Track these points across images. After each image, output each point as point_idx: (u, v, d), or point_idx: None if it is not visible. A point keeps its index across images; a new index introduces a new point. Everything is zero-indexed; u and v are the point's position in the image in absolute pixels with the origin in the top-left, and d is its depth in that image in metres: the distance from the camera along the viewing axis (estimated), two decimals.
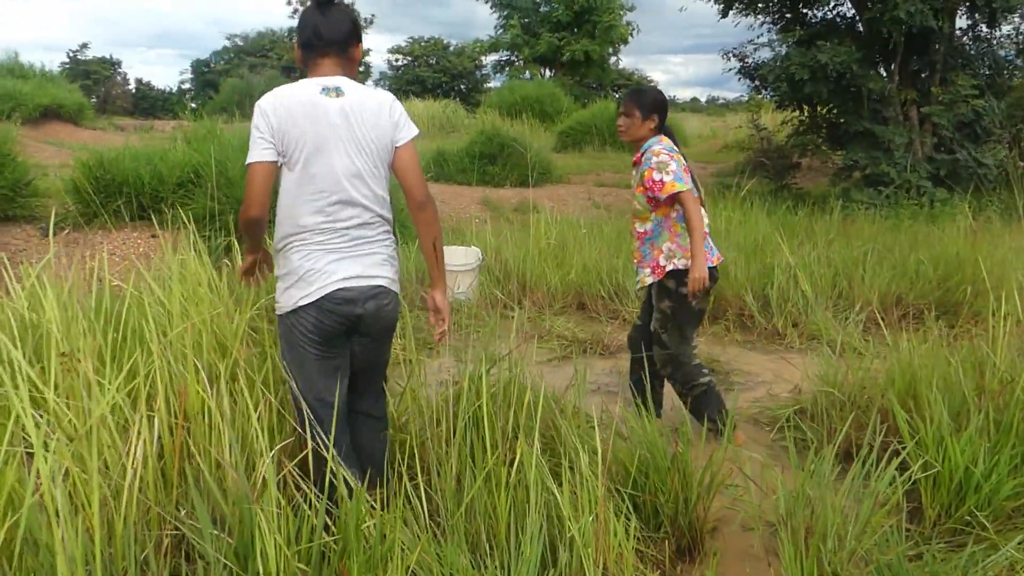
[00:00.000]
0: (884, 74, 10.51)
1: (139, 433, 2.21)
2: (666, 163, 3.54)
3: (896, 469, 2.66)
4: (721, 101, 71.76)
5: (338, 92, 2.49)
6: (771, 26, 11.74)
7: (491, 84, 42.87)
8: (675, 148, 3.67)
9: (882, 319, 5.59)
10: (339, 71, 2.57)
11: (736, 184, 11.37)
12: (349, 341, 2.63)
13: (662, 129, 3.76)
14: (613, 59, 35.32)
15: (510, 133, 13.86)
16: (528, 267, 6.50)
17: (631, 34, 34.10)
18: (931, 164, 9.88)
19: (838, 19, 11.27)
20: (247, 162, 2.45)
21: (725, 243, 6.57)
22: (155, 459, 2.31)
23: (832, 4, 11.17)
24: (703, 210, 3.69)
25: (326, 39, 2.54)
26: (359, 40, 2.65)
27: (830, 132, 11.34)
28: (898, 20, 8.94)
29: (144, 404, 2.49)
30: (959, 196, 9.49)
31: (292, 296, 2.51)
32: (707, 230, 3.64)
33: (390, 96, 2.61)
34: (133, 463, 2.11)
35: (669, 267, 3.66)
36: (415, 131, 2.64)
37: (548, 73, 34.05)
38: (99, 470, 2.02)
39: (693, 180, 3.64)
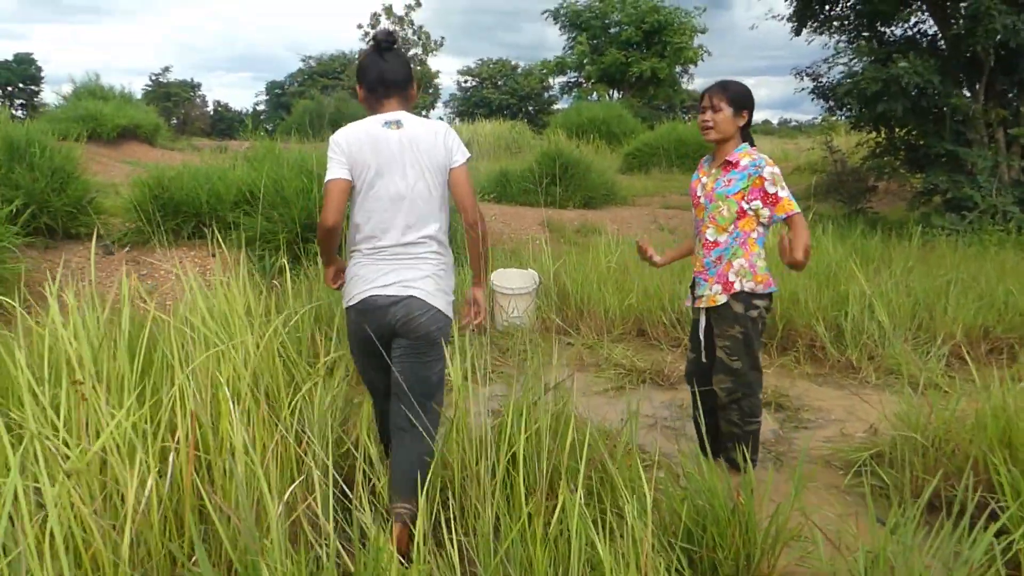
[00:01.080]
0: (968, 94, 9.97)
1: (147, 467, 2.05)
2: (780, 177, 3.33)
3: (994, 535, 2.34)
4: (793, 123, 70.46)
5: (398, 125, 2.81)
6: (847, 44, 11.30)
7: (559, 105, 42.85)
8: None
9: (968, 354, 5.21)
10: (400, 109, 2.89)
11: (810, 208, 10.97)
12: (390, 349, 2.83)
13: (746, 133, 3.49)
14: (683, 80, 34.91)
15: (575, 154, 13.63)
16: (587, 291, 6.26)
17: (701, 57, 33.72)
18: (1018, 189, 9.31)
19: (919, 36, 10.78)
20: (326, 179, 2.78)
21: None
22: (167, 496, 2.15)
23: (913, 21, 10.69)
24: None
25: (389, 83, 2.87)
26: (414, 79, 2.98)
27: (908, 154, 10.82)
28: (993, 34, 8.45)
29: (160, 436, 2.35)
30: None
31: (344, 296, 2.91)
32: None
33: (444, 125, 2.89)
34: (134, 500, 1.94)
35: (738, 286, 3.39)
36: (466, 155, 2.90)
37: (616, 94, 33.86)
38: (96, 509, 1.86)
39: None
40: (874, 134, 11.18)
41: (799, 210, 3.30)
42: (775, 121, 75.98)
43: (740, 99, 3.43)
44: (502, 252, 7.76)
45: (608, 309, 6.07)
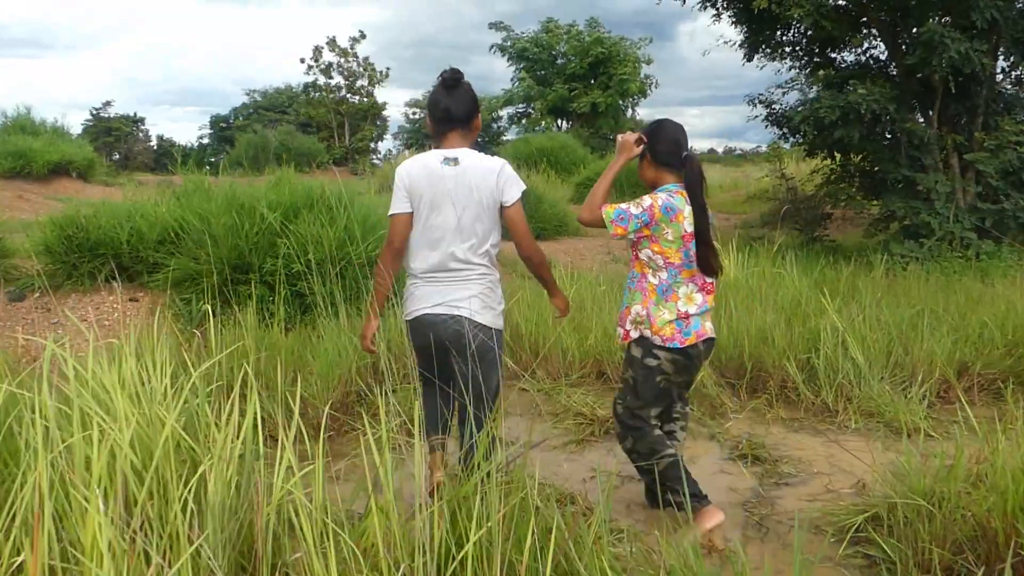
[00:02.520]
0: (921, 119, 9.85)
1: None
2: (638, 202, 3.20)
3: None
4: (738, 152, 71.50)
5: (455, 162, 3.10)
6: (799, 70, 11.16)
7: (507, 136, 42.72)
8: (672, 203, 3.19)
9: (952, 393, 4.89)
10: (463, 142, 3.19)
11: (766, 237, 10.73)
12: (445, 360, 3.17)
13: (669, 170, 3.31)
14: (629, 111, 34.98)
15: (526, 185, 13.30)
16: (542, 331, 5.82)
17: (650, 88, 33.89)
18: (975, 214, 9.16)
19: (871, 61, 10.67)
20: (391, 212, 3.17)
21: (759, 303, 5.88)
22: None
23: (865, 47, 10.58)
24: (695, 287, 3.25)
25: (454, 117, 3.16)
26: (478, 111, 3.26)
27: (863, 181, 10.66)
28: (948, 62, 8.30)
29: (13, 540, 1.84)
30: (1007, 248, 8.77)
31: (403, 310, 3.30)
32: (692, 310, 3.22)
33: (501, 163, 3.17)
34: None
35: (635, 334, 3.28)
36: (519, 193, 3.18)
37: (564, 125, 33.83)
38: None
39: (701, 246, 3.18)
40: (828, 161, 11.01)
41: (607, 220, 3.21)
42: (720, 150, 77.10)
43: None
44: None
45: (566, 350, 5.63)
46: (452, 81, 3.17)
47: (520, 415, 4.94)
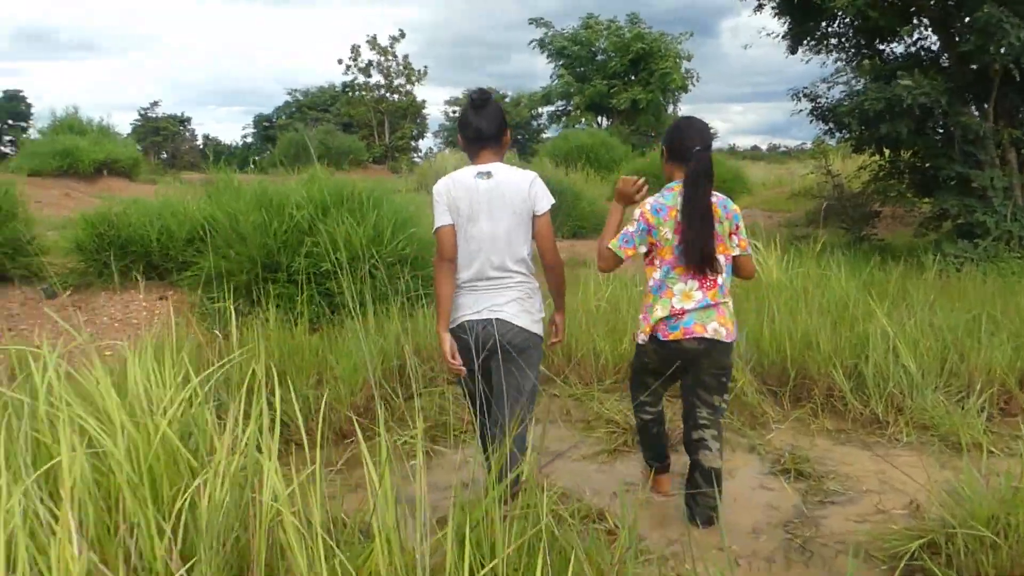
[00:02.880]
0: (977, 113, 9.41)
1: None
2: (633, 218, 3.36)
3: None
4: (782, 148, 70.44)
5: (489, 175, 3.22)
6: (845, 63, 10.78)
7: (547, 134, 42.51)
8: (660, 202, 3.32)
9: (1005, 404, 4.60)
10: (495, 157, 3.31)
11: (811, 236, 10.39)
12: (488, 361, 3.27)
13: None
14: (670, 107, 34.51)
15: (564, 182, 13.07)
16: (575, 334, 5.61)
17: (692, 83, 33.41)
18: None
19: (922, 52, 10.24)
20: (435, 226, 3.26)
21: (803, 305, 5.61)
22: None
23: (915, 38, 10.16)
24: (695, 285, 3.27)
25: (485, 135, 3.28)
26: (507, 127, 3.37)
27: (914, 178, 10.25)
28: (1012, 50, 7.88)
29: None
30: None
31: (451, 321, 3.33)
32: (688, 306, 3.25)
33: (532, 175, 3.29)
34: None
35: (640, 333, 3.45)
36: (548, 205, 3.28)
37: (605, 122, 33.51)
38: None
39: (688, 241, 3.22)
40: (876, 157, 10.61)
41: (615, 250, 3.36)
42: (764, 147, 76.02)
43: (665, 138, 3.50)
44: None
45: (599, 354, 5.42)
46: (480, 101, 3.31)
47: (551, 422, 4.75)
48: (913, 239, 10.26)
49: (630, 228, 3.31)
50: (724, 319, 3.26)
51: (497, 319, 3.23)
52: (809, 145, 14.73)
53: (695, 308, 3.22)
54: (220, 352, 4.43)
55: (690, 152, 3.23)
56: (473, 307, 3.27)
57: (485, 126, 3.29)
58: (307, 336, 5.08)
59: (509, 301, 3.26)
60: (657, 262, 3.32)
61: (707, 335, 3.22)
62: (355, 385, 4.60)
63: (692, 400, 3.37)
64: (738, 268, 3.41)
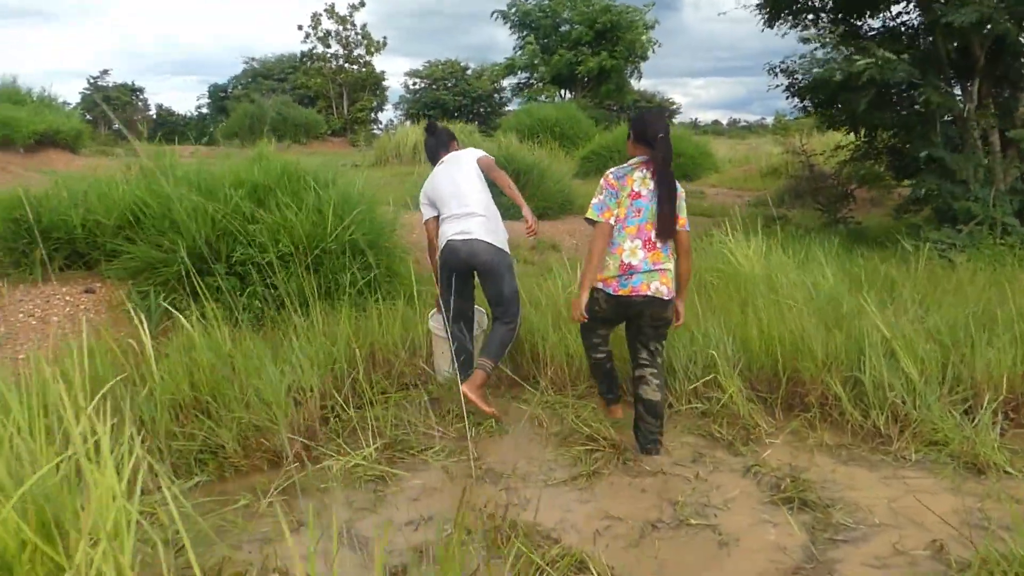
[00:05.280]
0: (959, 93, 9.01)
1: None
2: (599, 188, 3.92)
3: None
4: (743, 123, 70.57)
5: (442, 162, 4.86)
6: (821, 38, 10.31)
7: (510, 107, 41.83)
8: (622, 171, 3.91)
9: (1014, 413, 4.22)
10: (447, 153, 4.95)
11: (780, 217, 10.01)
12: (470, 275, 4.70)
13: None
14: (632, 78, 34.02)
15: (529, 159, 12.46)
16: (544, 330, 5.11)
17: (652, 49, 32.93)
18: (1017, 198, 8.38)
19: (901, 28, 9.81)
20: (423, 219, 4.84)
21: (791, 302, 5.16)
22: None
23: (895, 12, 9.72)
24: (639, 243, 3.82)
25: (439, 148, 5.00)
26: (454, 138, 5.10)
27: (892, 159, 9.88)
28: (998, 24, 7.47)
29: None
30: None
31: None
32: (634, 262, 3.81)
33: (473, 150, 4.91)
34: None
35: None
36: (480, 153, 4.84)
37: (568, 95, 32.92)
38: None
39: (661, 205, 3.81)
40: (852, 136, 10.22)
41: (593, 217, 3.89)
42: (724, 122, 76.09)
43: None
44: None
45: (571, 354, 4.93)
46: (430, 127, 5.13)
47: (524, 436, 4.26)
48: (891, 221, 9.90)
49: (601, 196, 3.88)
50: (666, 280, 3.85)
51: (473, 238, 4.49)
52: (769, 121, 14.37)
53: (642, 270, 3.80)
54: (137, 363, 3.88)
55: (655, 139, 3.82)
56: (452, 232, 4.55)
57: (435, 146, 5.01)
58: (246, 339, 4.50)
59: (478, 227, 4.50)
60: (614, 220, 3.84)
61: (650, 293, 3.80)
62: (298, 398, 4.06)
63: (635, 345, 4.03)
64: (678, 242, 3.95)
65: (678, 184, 3.91)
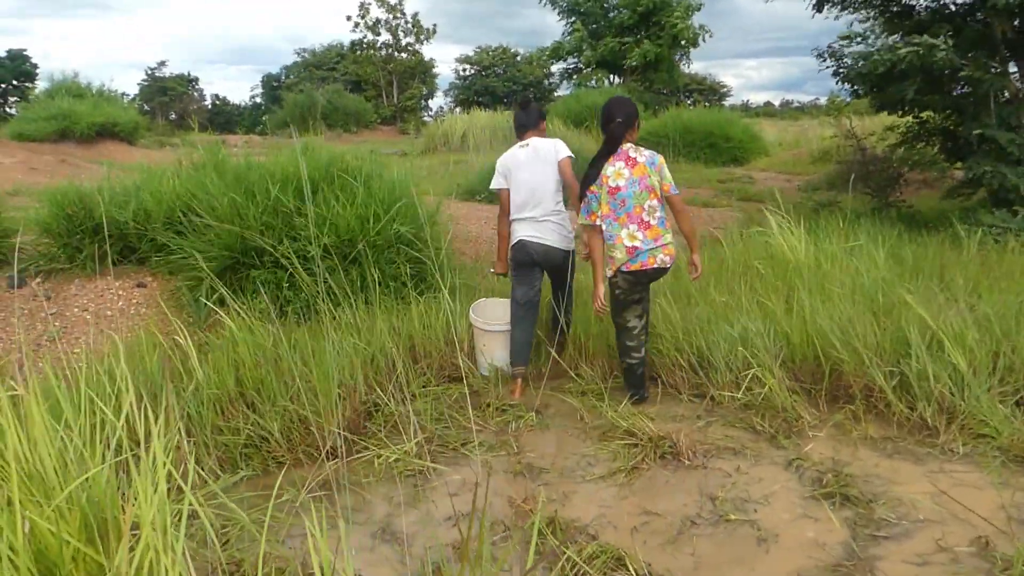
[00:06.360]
0: (1015, 72, 8.71)
1: None
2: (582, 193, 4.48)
3: None
4: (795, 104, 69.16)
5: (527, 146, 4.89)
6: (871, 21, 10.05)
7: (559, 92, 41.60)
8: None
9: None
10: (534, 135, 4.99)
11: (835, 202, 9.82)
12: (538, 269, 4.89)
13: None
14: (682, 64, 33.48)
15: (576, 145, 12.38)
16: (584, 323, 5.11)
17: (702, 37, 32.35)
18: None
19: (952, 6, 9.51)
20: (494, 187, 5.00)
21: (837, 292, 5.08)
22: None
23: None
24: (635, 227, 4.29)
25: (527, 125, 5.04)
26: (544, 118, 5.12)
27: (944, 142, 9.60)
28: None
29: None
30: None
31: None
32: (637, 244, 4.27)
33: (557, 140, 4.93)
34: None
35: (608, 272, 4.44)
36: (567, 151, 4.87)
37: (616, 80, 32.60)
38: None
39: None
40: (904, 118, 9.96)
41: (583, 222, 4.49)
42: (777, 103, 74.67)
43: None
44: (482, 266, 6.54)
45: (612, 346, 4.93)
46: (524, 102, 5.15)
47: (564, 431, 4.28)
48: (944, 205, 9.63)
49: (586, 199, 4.37)
50: (668, 250, 4.31)
51: (547, 244, 4.77)
52: (823, 101, 14.05)
53: (644, 248, 4.25)
54: (184, 358, 3.98)
55: (605, 127, 4.37)
56: (522, 233, 4.79)
57: (524, 119, 5.03)
58: (292, 333, 4.59)
59: (550, 230, 4.74)
60: (599, 220, 4.34)
61: (656, 265, 4.30)
62: (342, 392, 4.12)
63: (633, 307, 4.48)
64: (671, 205, 4.39)
65: (655, 155, 4.33)
